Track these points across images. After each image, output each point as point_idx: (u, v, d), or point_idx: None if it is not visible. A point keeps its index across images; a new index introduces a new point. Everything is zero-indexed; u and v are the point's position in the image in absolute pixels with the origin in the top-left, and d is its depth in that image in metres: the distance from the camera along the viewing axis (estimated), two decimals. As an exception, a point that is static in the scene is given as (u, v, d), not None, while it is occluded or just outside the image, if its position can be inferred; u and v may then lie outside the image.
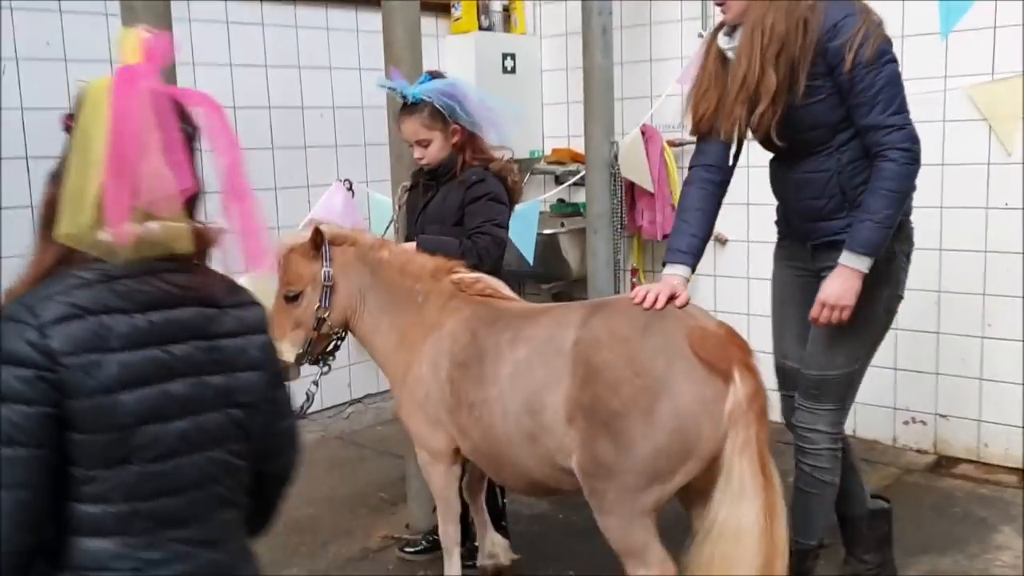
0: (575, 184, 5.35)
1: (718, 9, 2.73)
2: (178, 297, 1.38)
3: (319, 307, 2.88)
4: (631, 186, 4.98)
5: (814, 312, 2.67)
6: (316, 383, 3.04)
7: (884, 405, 4.44)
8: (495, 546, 3.22)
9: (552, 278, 5.20)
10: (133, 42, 1.36)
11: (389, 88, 3.20)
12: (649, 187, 4.91)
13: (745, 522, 2.28)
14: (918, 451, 4.42)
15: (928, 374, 4.35)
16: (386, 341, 2.93)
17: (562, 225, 5.38)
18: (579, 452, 2.43)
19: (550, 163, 5.66)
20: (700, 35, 4.88)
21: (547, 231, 5.18)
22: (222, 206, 1.41)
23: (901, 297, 2.82)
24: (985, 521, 3.71)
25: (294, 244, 2.91)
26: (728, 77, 2.69)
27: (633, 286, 5.21)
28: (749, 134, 2.79)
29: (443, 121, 3.13)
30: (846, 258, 2.62)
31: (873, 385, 3.81)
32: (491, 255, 3.13)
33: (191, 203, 1.40)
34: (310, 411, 3.23)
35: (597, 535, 3.67)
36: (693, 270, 2.75)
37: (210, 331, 1.41)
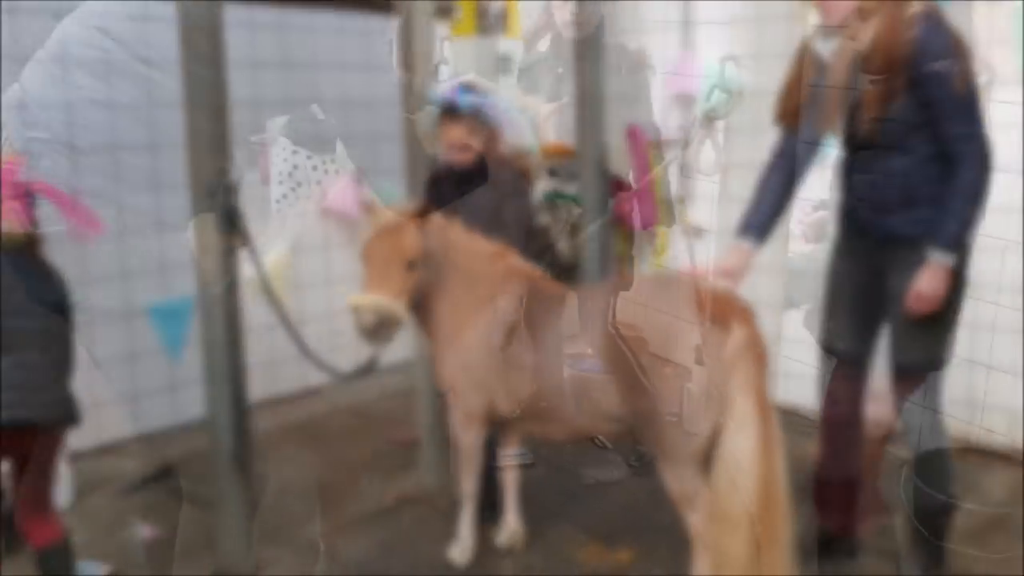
0: (567, 177, 5.68)
1: (816, 12, 2.91)
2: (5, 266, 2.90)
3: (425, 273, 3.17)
4: (618, 181, 5.34)
5: (911, 304, 2.90)
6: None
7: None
8: (516, 533, 3.63)
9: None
10: None
11: (445, 100, 3.49)
12: (634, 183, 5.30)
13: (744, 448, 2.68)
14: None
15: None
16: (439, 309, 3.26)
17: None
18: (625, 405, 2.87)
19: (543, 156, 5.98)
20: (682, 43, 5.28)
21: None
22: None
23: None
24: (929, 486, 4.13)
25: (409, 214, 3.13)
26: (824, 80, 2.91)
27: (618, 272, 5.59)
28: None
29: (482, 126, 3.51)
30: (933, 255, 2.86)
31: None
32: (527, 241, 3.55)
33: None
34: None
35: (588, 496, 4.10)
36: (760, 242, 3.10)
37: (9, 284, 2.86)
